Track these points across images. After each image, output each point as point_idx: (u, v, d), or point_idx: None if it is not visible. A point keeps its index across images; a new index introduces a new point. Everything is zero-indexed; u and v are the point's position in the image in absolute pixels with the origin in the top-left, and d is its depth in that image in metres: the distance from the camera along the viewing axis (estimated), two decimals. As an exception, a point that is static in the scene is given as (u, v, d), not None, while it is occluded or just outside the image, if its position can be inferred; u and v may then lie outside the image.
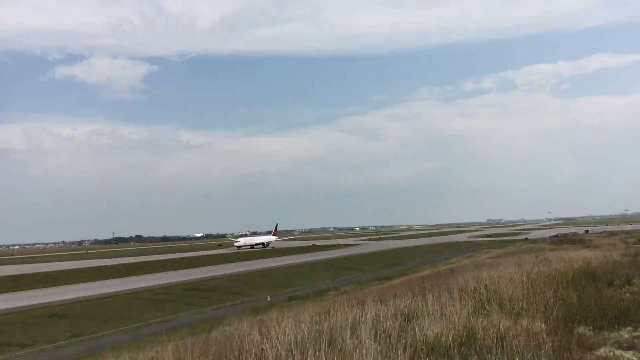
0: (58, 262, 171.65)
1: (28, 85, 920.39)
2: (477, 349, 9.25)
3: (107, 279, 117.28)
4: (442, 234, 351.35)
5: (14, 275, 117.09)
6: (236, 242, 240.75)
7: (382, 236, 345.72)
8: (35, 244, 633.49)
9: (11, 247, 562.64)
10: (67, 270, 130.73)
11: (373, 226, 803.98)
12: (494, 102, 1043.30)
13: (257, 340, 10.65)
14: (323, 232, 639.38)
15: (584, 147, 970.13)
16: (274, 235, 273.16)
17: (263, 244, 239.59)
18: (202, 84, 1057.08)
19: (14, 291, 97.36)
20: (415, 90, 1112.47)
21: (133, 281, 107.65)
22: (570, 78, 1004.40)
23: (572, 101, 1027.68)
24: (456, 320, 11.42)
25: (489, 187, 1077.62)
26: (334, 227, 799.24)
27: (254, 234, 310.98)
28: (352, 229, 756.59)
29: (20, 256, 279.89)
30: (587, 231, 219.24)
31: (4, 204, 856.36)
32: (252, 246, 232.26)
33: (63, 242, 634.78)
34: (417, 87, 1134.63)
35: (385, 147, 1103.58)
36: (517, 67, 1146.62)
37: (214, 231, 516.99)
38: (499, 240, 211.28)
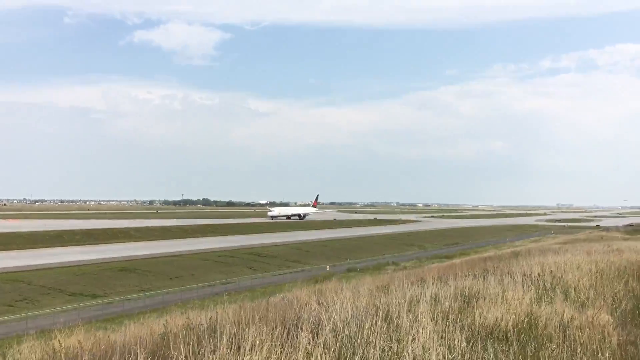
0: (130, 220, 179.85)
1: (108, 48, 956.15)
2: (538, 336, 9.02)
3: (175, 238, 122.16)
4: (508, 215, 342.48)
5: (89, 229, 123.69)
6: (270, 211, 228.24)
7: (445, 214, 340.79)
8: (109, 200, 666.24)
9: (87, 202, 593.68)
10: (138, 227, 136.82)
11: (437, 204, 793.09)
12: (572, 82, 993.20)
13: (314, 310, 10.80)
14: (385, 207, 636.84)
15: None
16: (313, 206, 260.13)
17: (299, 215, 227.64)
18: (274, 53, 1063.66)
19: (89, 244, 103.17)
20: (488, 67, 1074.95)
21: (199, 242, 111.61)
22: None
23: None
24: (517, 305, 11.14)
25: (561, 170, 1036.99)
26: (396, 202, 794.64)
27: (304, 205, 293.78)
28: (414, 205, 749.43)
29: (96, 211, 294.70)
30: None
31: (83, 160, 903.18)
32: (288, 217, 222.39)
33: (135, 200, 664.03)
34: (490, 64, 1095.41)
35: (455, 124, 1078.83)
36: (599, 46, 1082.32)
37: (277, 199, 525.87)
38: (569, 226, 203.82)
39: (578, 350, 8.01)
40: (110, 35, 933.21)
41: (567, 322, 10.00)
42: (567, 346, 8.27)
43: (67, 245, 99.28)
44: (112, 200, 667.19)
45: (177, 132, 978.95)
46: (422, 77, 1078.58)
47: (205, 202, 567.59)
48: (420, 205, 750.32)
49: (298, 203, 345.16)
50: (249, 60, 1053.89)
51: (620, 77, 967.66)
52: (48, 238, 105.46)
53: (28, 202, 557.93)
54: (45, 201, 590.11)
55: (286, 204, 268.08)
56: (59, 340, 9.23)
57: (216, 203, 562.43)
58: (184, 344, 7.55)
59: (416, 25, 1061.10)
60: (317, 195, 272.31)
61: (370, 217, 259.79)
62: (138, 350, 7.39)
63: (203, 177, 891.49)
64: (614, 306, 12.90)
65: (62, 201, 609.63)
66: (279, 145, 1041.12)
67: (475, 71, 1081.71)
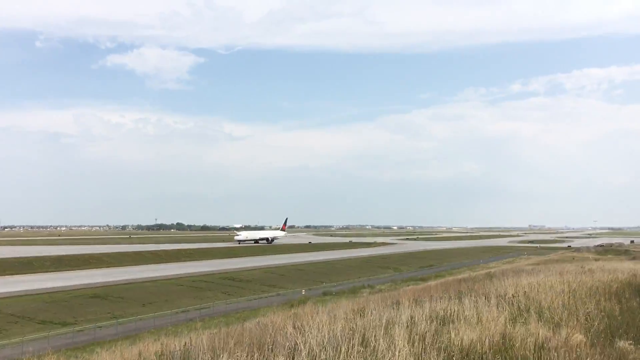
0: (102, 245, 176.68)
1: (80, 72, 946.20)
2: (514, 357, 9.06)
3: (148, 263, 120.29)
4: (482, 237, 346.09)
5: (60, 256, 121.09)
6: (237, 235, 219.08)
7: (419, 236, 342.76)
8: (81, 226, 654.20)
9: (58, 228, 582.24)
10: (110, 253, 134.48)
11: (411, 226, 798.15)
12: (541, 105, 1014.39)
13: (290, 334, 10.71)
14: (360, 230, 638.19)
15: (635, 156, 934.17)
16: (282, 230, 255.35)
17: (267, 239, 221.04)
18: (247, 77, 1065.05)
19: (59, 271, 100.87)
20: (460, 90, 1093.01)
21: (172, 267, 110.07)
22: (623, 84, 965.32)
23: (623, 107, 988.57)
24: (493, 326, 11.19)
25: (532, 192, 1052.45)
26: (371, 225, 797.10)
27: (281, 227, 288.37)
28: (389, 227, 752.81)
29: (67, 237, 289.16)
30: (632, 242, 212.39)
31: (54, 185, 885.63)
32: (256, 241, 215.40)
33: (108, 225, 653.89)
34: (462, 87, 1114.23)
35: (428, 146, 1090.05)
36: (567, 70, 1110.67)
37: (252, 222, 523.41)
38: (541, 247, 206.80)
39: (554, 371, 8.05)
40: (82, 59, 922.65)
41: (542, 342, 10.07)
42: (542, 366, 8.32)
43: (37, 272, 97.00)
44: (84, 226, 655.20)
45: (150, 157, 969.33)
46: (396, 101, 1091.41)
47: (179, 227, 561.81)
48: (395, 227, 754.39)
49: (272, 227, 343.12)
50: (223, 83, 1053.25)
51: (587, 100, 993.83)
52: (17, 265, 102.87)
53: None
54: (15, 227, 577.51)
55: (261, 228, 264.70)
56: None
57: (190, 227, 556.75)
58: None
59: (390, 50, 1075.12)
60: (286, 219, 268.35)
61: (346, 240, 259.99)
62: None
63: (177, 201, 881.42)
64: (587, 326, 13.06)
65: (32, 227, 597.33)
66: (253, 169, 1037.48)
67: (448, 94, 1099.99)
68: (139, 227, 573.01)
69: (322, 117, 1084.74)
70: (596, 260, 66.21)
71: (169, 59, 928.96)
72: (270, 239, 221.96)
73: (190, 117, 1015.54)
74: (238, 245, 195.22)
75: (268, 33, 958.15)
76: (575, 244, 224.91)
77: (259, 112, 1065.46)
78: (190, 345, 9.67)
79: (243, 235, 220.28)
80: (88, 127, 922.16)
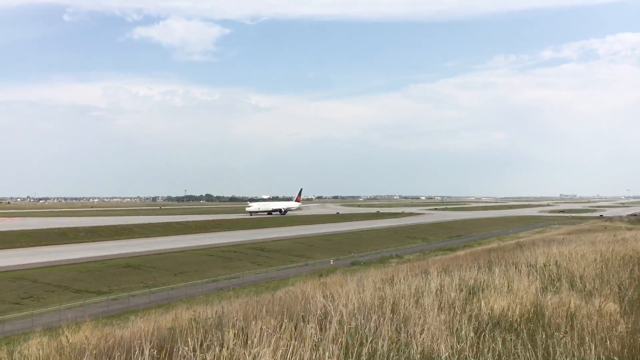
0: (133, 216, 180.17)
1: (107, 46, 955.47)
2: (545, 326, 9.01)
3: (178, 234, 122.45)
4: (511, 207, 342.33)
5: (93, 227, 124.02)
6: (248, 207, 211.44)
7: (447, 207, 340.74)
8: (112, 197, 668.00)
9: (90, 200, 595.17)
10: (141, 224, 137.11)
11: (439, 196, 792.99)
12: (573, 72, 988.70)
13: (320, 302, 10.81)
14: (388, 200, 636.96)
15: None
16: (297, 201, 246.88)
17: (280, 210, 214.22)
18: (273, 47, 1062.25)
19: (92, 241, 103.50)
20: (489, 58, 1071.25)
21: (202, 238, 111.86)
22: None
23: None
24: (524, 295, 11.13)
25: (563, 161, 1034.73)
26: (399, 195, 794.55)
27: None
28: (417, 198, 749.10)
29: (99, 209, 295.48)
30: None
31: (85, 158, 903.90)
32: (269, 212, 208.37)
33: (138, 197, 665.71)
34: (491, 55, 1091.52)
35: (455, 116, 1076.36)
36: (600, 35, 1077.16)
37: (280, 194, 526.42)
38: (572, 217, 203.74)
39: (586, 339, 7.98)
40: (109, 32, 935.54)
41: (574, 311, 9.98)
42: (575, 335, 8.25)
43: (71, 243, 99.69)
44: (115, 198, 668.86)
45: (178, 129, 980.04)
46: (421, 70, 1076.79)
47: (209, 198, 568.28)
48: (423, 197, 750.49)
49: (303, 198, 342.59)
50: (249, 55, 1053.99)
51: (621, 66, 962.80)
52: (52, 236, 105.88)
53: (32, 200, 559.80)
54: (49, 199, 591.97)
55: (289, 199, 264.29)
56: (66, 336, 9.26)
57: (219, 199, 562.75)
58: (192, 337, 7.57)
59: (416, 18, 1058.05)
60: (301, 190, 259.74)
61: (373, 210, 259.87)
62: (144, 345, 7.40)
63: (206, 173, 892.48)
64: (621, 295, 12.87)
65: (65, 199, 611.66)
66: (280, 140, 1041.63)
67: (475, 63, 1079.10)
68: (169, 199, 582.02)
69: (348, 88, 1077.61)
70: (629, 229, 64.95)
71: (194, 31, 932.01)
72: (283, 210, 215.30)
73: (216, 89, 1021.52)
74: (263, 216, 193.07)
75: (293, 3, 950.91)
76: (608, 213, 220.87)
77: (284, 83, 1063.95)
78: (223, 312, 9.84)
79: (255, 206, 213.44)
80: (116, 100, 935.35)
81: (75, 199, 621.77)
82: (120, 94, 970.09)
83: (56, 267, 70.95)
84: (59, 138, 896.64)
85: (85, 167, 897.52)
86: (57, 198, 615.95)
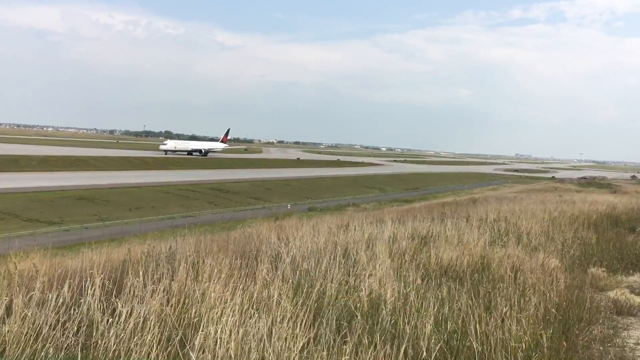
0: (89, 148, 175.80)
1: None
2: (490, 277, 9.36)
3: (135, 169, 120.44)
4: (468, 163, 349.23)
5: (46, 156, 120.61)
6: (163, 144, 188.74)
7: (407, 159, 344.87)
8: (68, 127, 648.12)
9: (45, 128, 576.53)
10: (97, 156, 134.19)
11: (400, 148, 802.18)
12: (540, 33, 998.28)
13: (274, 244, 10.90)
14: (349, 149, 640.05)
15: (628, 91, 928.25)
16: (222, 142, 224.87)
17: (200, 150, 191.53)
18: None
19: (45, 171, 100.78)
20: (458, 13, 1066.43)
21: (160, 175, 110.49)
22: (625, 15, 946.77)
23: (623, 40, 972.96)
24: (472, 248, 11.50)
25: (522, 121, 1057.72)
26: (360, 145, 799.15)
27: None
28: (378, 148, 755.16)
29: (53, 138, 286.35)
30: (634, 177, 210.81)
31: (40, 85, 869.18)
32: (189, 152, 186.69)
33: (95, 129, 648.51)
34: (461, 10, 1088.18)
35: (421, 69, 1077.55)
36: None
37: (241, 136, 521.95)
38: (525, 176, 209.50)
39: (527, 291, 8.36)
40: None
41: (519, 264, 10.40)
42: (517, 287, 8.63)
43: (23, 171, 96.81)
44: (71, 128, 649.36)
45: (139, 61, 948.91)
46: (391, 20, 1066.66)
47: (168, 135, 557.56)
48: (384, 149, 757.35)
49: (262, 141, 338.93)
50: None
51: (587, 31, 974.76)
52: (3, 162, 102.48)
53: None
54: (1, 124, 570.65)
55: (250, 141, 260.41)
56: (14, 263, 9.07)
57: (179, 136, 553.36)
58: (143, 270, 7.55)
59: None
60: (228, 130, 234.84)
61: (334, 158, 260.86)
62: (96, 274, 7.34)
63: (166, 109, 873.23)
64: (564, 252, 13.46)
65: (18, 125, 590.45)
66: (244, 81, 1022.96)
67: (445, 17, 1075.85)
68: (127, 133, 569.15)
69: (316, 32, 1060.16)
70: (578, 192, 67.35)
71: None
72: (204, 150, 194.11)
73: (181, 23, 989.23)
74: (182, 156, 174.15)
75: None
76: (560, 175, 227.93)
77: (251, 22, 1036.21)
78: (176, 248, 9.83)
79: (170, 144, 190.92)
80: (75, 26, 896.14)
81: (29, 126, 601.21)
82: (79, 20, 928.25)
83: (6, 194, 68.98)
84: (12, 61, 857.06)
85: (40, 94, 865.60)
86: (10, 124, 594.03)
